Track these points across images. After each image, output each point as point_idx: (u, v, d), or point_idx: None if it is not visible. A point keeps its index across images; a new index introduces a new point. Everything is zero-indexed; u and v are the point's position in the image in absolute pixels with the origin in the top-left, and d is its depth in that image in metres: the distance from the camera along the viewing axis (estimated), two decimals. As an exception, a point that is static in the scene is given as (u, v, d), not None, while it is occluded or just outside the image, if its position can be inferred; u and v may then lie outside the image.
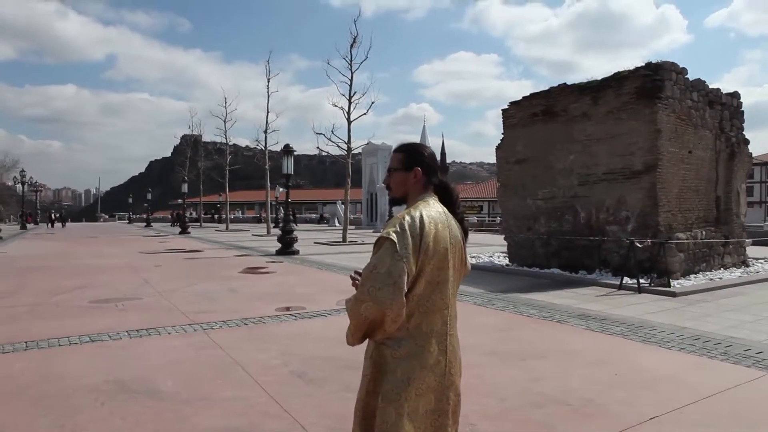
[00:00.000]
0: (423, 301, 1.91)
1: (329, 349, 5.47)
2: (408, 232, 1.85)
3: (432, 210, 1.97)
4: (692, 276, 10.61)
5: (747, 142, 13.43)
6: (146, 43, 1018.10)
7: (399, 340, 1.91)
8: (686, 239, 10.77)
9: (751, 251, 13.96)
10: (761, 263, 12.99)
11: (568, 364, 5.00)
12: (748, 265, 12.57)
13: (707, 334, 6.13)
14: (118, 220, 69.40)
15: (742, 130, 13.42)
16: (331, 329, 6.42)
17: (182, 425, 3.56)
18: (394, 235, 1.84)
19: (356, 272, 2.01)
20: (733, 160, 12.82)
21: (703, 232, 11.46)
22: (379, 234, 1.92)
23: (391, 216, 32.48)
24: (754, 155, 14.28)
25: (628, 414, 3.74)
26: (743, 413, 3.81)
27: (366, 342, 2.03)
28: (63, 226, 44.24)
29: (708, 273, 11.12)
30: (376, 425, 1.90)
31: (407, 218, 1.90)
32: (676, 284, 9.59)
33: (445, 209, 2.04)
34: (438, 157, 2.42)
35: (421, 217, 1.91)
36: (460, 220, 2.10)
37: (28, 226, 43.05)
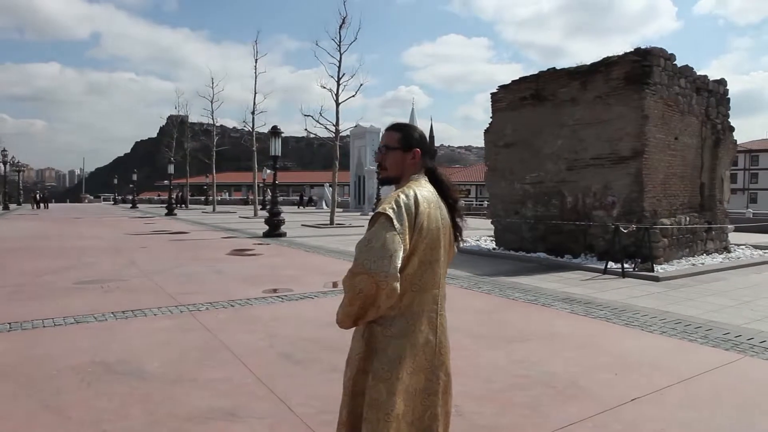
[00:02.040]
0: (415, 279, 1.94)
1: (316, 330, 5.49)
2: (404, 209, 1.87)
3: (424, 190, 1.99)
4: (675, 261, 10.76)
5: (732, 129, 13.55)
6: (132, 21, 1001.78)
7: (391, 318, 1.93)
8: (670, 225, 10.90)
9: (733, 237, 14.17)
10: (742, 249, 13.20)
11: (552, 346, 5.07)
12: (730, 251, 12.76)
13: (689, 318, 6.24)
14: (103, 201, 68.58)
15: (728, 118, 13.53)
16: (318, 311, 6.44)
17: (169, 406, 3.57)
18: (390, 210, 1.85)
19: None
20: (718, 147, 12.94)
21: (687, 218, 11.60)
22: (375, 211, 1.93)
23: (379, 198, 32.34)
24: (738, 143, 14.43)
25: (610, 396, 3.81)
26: (721, 395, 3.89)
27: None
28: (46, 207, 43.59)
29: (691, 258, 11.29)
30: (366, 403, 1.91)
31: (402, 196, 1.91)
32: (660, 269, 9.72)
33: (434, 190, 2.06)
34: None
35: (416, 195, 1.93)
36: (452, 208, 2.11)
37: (11, 206, 42.41)
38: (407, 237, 1.85)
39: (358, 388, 1.96)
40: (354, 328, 2.03)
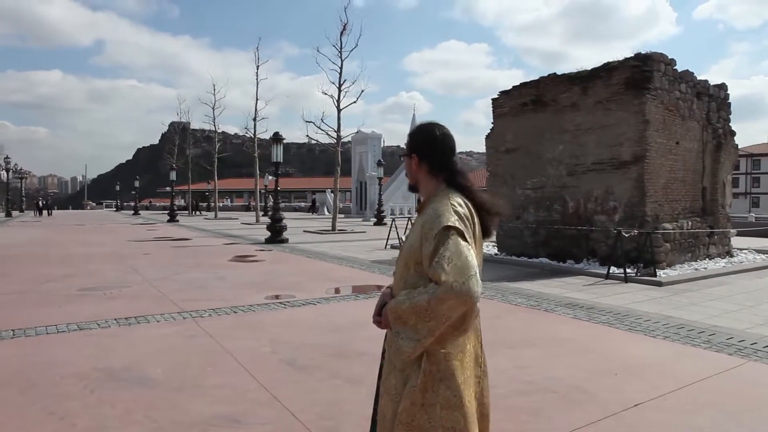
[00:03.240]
0: None
1: (319, 337, 5.50)
2: (465, 219, 1.76)
3: (461, 197, 1.87)
4: (678, 266, 10.75)
5: (733, 133, 13.56)
6: (134, 28, 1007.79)
7: (453, 339, 1.82)
8: (672, 229, 10.89)
9: (736, 242, 14.14)
10: (745, 253, 13.17)
11: (555, 352, 5.07)
12: (732, 255, 12.74)
13: (691, 322, 6.23)
14: (106, 207, 68.71)
15: (729, 122, 13.54)
16: (321, 317, 6.45)
17: (172, 412, 3.57)
18: (457, 223, 1.71)
19: (378, 312, 1.90)
20: (719, 152, 12.94)
21: (689, 223, 11.59)
22: (439, 225, 1.73)
23: (380, 205, 32.03)
24: (739, 147, 14.43)
25: (613, 401, 3.80)
26: (724, 400, 3.89)
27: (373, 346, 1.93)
28: (49, 214, 43.61)
29: (693, 263, 11.27)
30: None
31: (456, 206, 1.79)
32: (662, 274, 9.71)
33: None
34: None
35: (464, 202, 1.82)
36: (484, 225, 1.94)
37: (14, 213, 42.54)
38: (474, 248, 1.75)
39: (416, 423, 1.78)
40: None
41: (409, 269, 1.84)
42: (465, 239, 1.69)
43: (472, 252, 1.68)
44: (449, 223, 1.69)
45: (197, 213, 45.28)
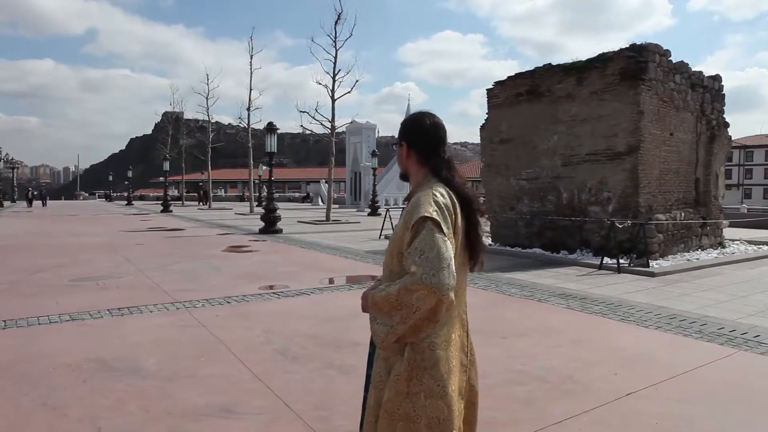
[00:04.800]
0: (457, 284, 1.79)
1: (312, 327, 5.49)
2: (445, 210, 1.74)
3: (444, 188, 1.86)
4: (670, 256, 10.80)
5: (727, 125, 13.60)
6: (127, 17, 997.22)
7: (437, 330, 1.81)
8: (665, 220, 10.94)
9: (728, 233, 14.23)
10: (737, 244, 13.25)
11: (548, 342, 5.09)
12: (724, 246, 12.81)
13: (683, 313, 6.27)
14: (98, 197, 68.27)
15: (723, 114, 13.56)
16: (315, 308, 6.44)
17: (165, 403, 3.56)
18: (435, 213, 1.69)
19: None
20: (713, 143, 12.98)
21: (682, 214, 11.64)
22: (417, 215, 1.72)
23: (375, 195, 31.99)
24: (733, 138, 14.48)
25: (606, 390, 3.83)
26: (715, 388, 3.92)
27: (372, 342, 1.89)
28: (44, 204, 43.04)
29: (686, 253, 11.32)
30: (426, 425, 1.78)
31: (438, 195, 1.77)
32: (655, 264, 9.76)
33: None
34: None
35: (448, 193, 1.81)
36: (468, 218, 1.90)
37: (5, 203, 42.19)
38: (453, 240, 1.73)
39: (402, 411, 1.79)
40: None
41: (393, 258, 1.85)
42: (441, 230, 1.68)
43: (448, 243, 1.67)
44: (426, 214, 1.69)
45: (205, 204, 44.65)
